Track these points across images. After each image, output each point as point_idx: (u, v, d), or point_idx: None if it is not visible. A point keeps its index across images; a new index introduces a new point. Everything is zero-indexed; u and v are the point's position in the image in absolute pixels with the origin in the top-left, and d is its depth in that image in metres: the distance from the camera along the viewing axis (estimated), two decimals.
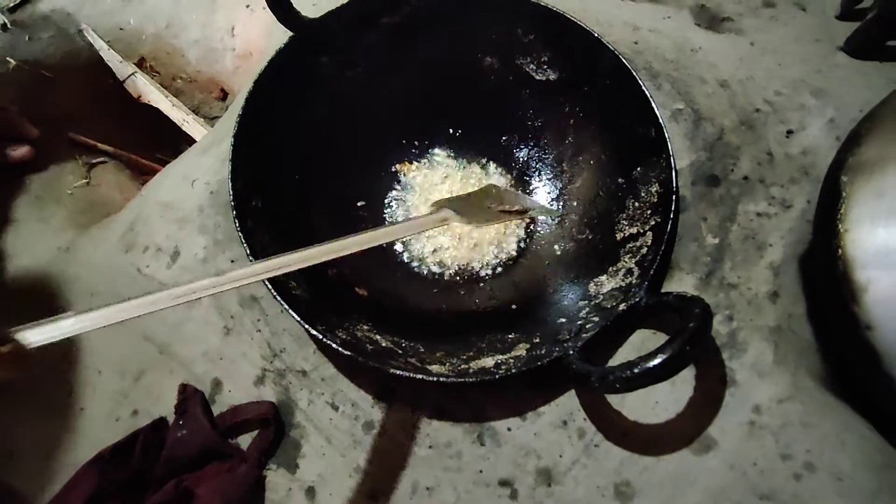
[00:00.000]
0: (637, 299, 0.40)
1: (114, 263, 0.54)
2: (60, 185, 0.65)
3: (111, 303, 0.29)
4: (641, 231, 0.44)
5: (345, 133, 0.52)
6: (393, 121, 0.54)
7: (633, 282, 0.42)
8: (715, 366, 0.41)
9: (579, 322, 0.42)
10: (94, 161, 0.70)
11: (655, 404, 0.41)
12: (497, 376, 0.39)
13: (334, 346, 0.39)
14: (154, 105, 0.73)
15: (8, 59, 0.66)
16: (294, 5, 0.46)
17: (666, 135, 0.44)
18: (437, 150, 0.56)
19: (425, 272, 0.51)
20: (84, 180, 0.67)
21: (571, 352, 0.38)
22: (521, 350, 0.42)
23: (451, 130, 0.56)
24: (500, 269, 0.51)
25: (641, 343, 0.43)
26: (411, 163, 0.55)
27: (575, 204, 0.51)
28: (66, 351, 0.51)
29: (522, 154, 0.54)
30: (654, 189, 0.45)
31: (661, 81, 0.51)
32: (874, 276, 0.34)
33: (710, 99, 0.50)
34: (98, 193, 0.67)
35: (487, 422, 0.43)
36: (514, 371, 0.39)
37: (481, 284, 0.50)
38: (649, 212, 0.44)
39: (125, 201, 0.60)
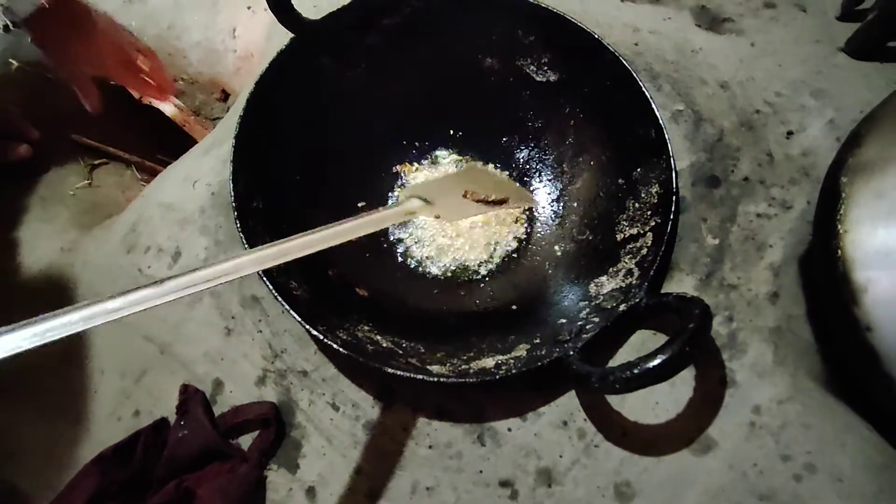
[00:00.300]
0: (637, 300, 0.40)
1: (116, 264, 0.54)
2: (62, 186, 0.66)
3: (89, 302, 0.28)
4: (641, 232, 0.44)
5: (346, 134, 0.52)
6: (394, 122, 0.55)
7: (634, 282, 0.42)
8: (715, 366, 0.41)
9: (579, 323, 0.42)
10: (96, 162, 0.70)
11: (655, 405, 0.41)
12: (497, 377, 0.39)
13: (335, 346, 0.39)
14: (155, 106, 0.73)
15: (10, 60, 0.66)
16: (295, 6, 0.46)
17: (666, 136, 0.44)
18: (437, 151, 0.56)
19: (426, 273, 0.51)
20: (86, 181, 0.67)
21: (572, 352, 0.38)
22: (521, 350, 0.42)
23: (451, 131, 0.56)
24: (500, 270, 0.51)
25: (641, 344, 0.43)
26: (412, 163, 0.55)
27: (575, 205, 0.51)
28: (67, 351, 0.51)
29: (523, 155, 0.54)
30: (654, 190, 0.45)
31: (662, 82, 0.51)
32: (874, 277, 0.34)
33: (711, 100, 0.50)
34: (100, 194, 0.67)
35: (488, 422, 0.43)
36: (514, 371, 0.39)
37: (482, 285, 0.50)
38: (649, 213, 0.44)
39: (127, 202, 0.60)
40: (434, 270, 0.51)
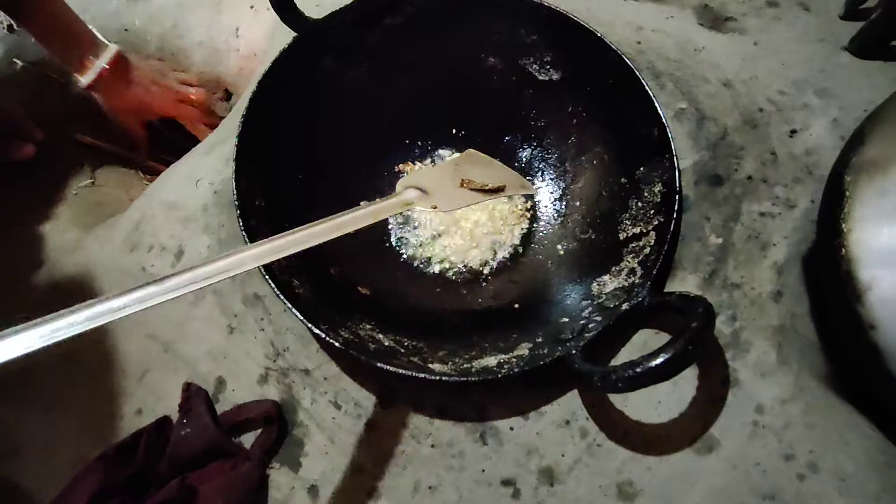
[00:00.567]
0: (640, 299, 0.40)
1: (119, 263, 0.54)
2: (66, 186, 0.66)
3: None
4: (644, 231, 0.44)
5: (348, 133, 0.53)
6: (396, 121, 0.55)
7: (636, 281, 0.42)
8: (718, 366, 0.41)
9: (582, 322, 0.42)
10: (99, 161, 0.70)
11: (658, 404, 0.41)
12: (499, 375, 0.39)
13: (337, 345, 0.39)
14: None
15: (14, 59, 0.66)
16: (298, 6, 0.46)
17: (669, 134, 0.44)
18: (439, 150, 0.56)
19: (428, 271, 0.51)
20: (89, 180, 0.68)
21: (574, 351, 0.38)
22: (523, 349, 0.42)
23: (454, 130, 0.56)
24: (502, 269, 0.51)
25: (644, 343, 0.43)
26: (414, 163, 0.55)
27: (578, 203, 0.51)
28: (70, 349, 0.51)
29: (525, 154, 0.54)
30: (657, 189, 0.45)
31: (665, 81, 0.51)
32: (878, 276, 0.34)
33: (714, 99, 0.50)
34: (103, 193, 0.67)
35: (490, 421, 0.43)
36: (516, 370, 0.39)
37: (484, 284, 0.50)
38: (652, 211, 0.44)
39: (130, 201, 0.60)
40: (436, 269, 0.51)
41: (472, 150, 0.50)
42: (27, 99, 0.67)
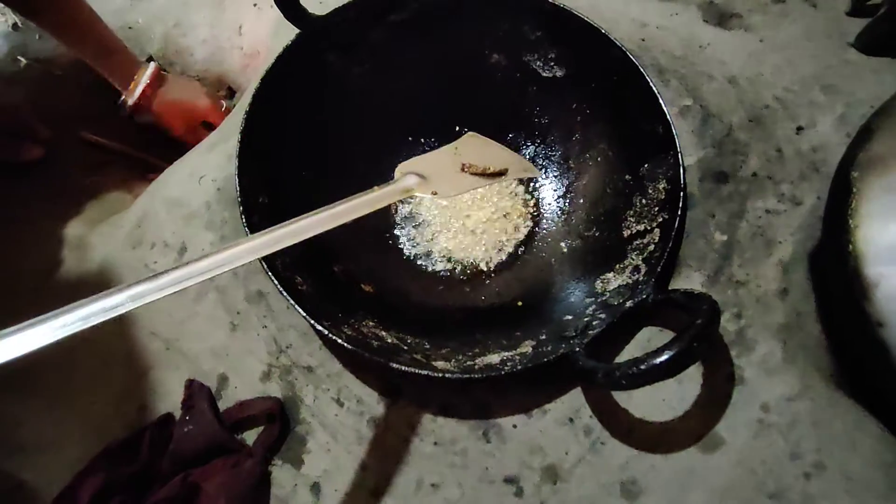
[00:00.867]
0: (644, 296, 0.40)
1: (122, 259, 0.54)
2: (70, 183, 0.66)
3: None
4: (649, 228, 0.44)
5: (351, 130, 0.52)
6: (399, 118, 0.54)
7: (641, 279, 0.42)
8: (723, 363, 0.41)
9: (586, 319, 0.42)
10: (103, 158, 0.70)
11: (662, 402, 0.40)
12: (503, 373, 0.39)
13: (340, 341, 0.39)
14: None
15: (19, 57, 0.66)
16: (301, 3, 0.46)
17: (674, 131, 0.43)
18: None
19: (431, 269, 0.51)
20: (93, 177, 0.68)
21: (578, 349, 0.38)
22: (527, 347, 0.42)
23: (457, 127, 0.55)
24: (505, 266, 0.51)
25: (648, 340, 0.43)
26: None
27: (582, 201, 0.51)
28: (74, 346, 0.51)
29: (529, 151, 0.54)
30: (661, 186, 0.44)
31: (669, 78, 0.51)
32: (885, 273, 0.33)
33: (719, 95, 0.49)
34: (107, 190, 0.68)
35: (493, 419, 0.42)
36: (519, 368, 0.39)
37: (487, 281, 0.50)
38: (657, 209, 0.44)
39: (133, 198, 0.60)
40: (439, 266, 0.51)
41: (472, 133, 0.48)
42: (32, 96, 0.67)
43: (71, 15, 0.58)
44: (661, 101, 0.44)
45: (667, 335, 0.42)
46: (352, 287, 0.48)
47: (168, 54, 0.74)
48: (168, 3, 0.73)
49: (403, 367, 0.38)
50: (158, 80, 0.66)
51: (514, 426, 0.42)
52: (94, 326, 0.28)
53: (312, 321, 0.39)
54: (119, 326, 0.51)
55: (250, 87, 0.49)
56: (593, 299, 0.44)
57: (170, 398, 0.48)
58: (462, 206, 0.53)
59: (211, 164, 0.54)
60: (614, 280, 0.44)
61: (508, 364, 0.40)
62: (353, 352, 0.39)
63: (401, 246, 0.52)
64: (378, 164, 0.54)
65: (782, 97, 0.48)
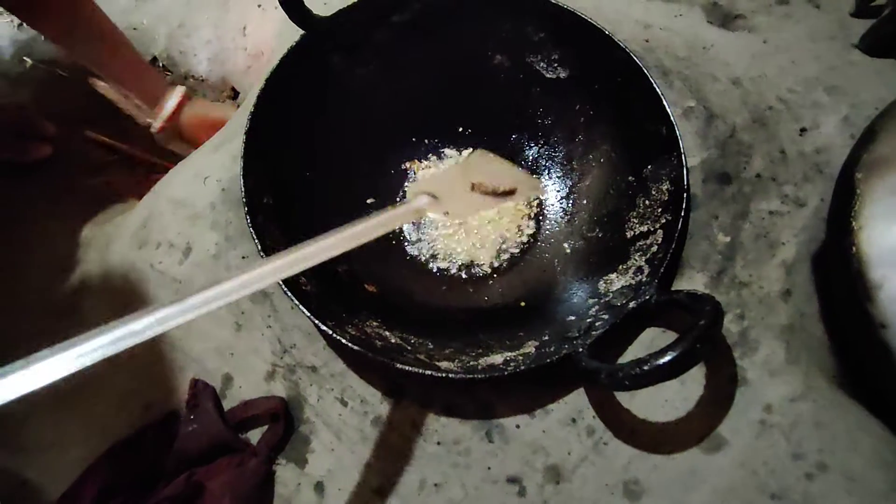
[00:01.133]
0: (647, 297, 0.40)
1: (127, 259, 0.54)
2: (75, 183, 0.66)
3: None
4: (652, 229, 0.44)
5: (355, 130, 0.53)
6: (403, 118, 0.55)
7: (644, 280, 0.42)
8: (725, 364, 0.41)
9: (589, 320, 0.42)
10: (108, 158, 0.71)
11: (665, 402, 0.41)
12: (506, 373, 0.39)
13: (344, 341, 0.39)
14: None
15: (24, 58, 0.67)
16: (306, 4, 0.46)
17: (677, 132, 0.43)
18: (446, 149, 0.56)
19: (434, 269, 0.51)
20: (98, 178, 0.68)
21: (581, 349, 0.38)
22: (530, 347, 0.42)
23: (461, 128, 0.56)
24: (509, 267, 0.51)
25: (651, 341, 0.43)
26: (421, 160, 0.55)
27: (585, 202, 0.51)
28: None
29: (532, 152, 0.54)
30: (664, 187, 0.44)
31: (673, 79, 0.51)
32: (889, 274, 0.33)
33: (723, 97, 0.49)
34: (112, 190, 0.68)
35: (496, 419, 0.43)
36: (522, 368, 0.39)
37: (490, 282, 0.50)
38: (660, 210, 0.44)
39: (138, 198, 0.60)
40: (442, 267, 0.51)
41: (481, 150, 0.49)
42: (37, 97, 0.67)
43: (85, 27, 0.58)
44: (664, 102, 0.44)
45: (670, 336, 0.42)
46: (355, 287, 0.48)
47: (172, 55, 0.74)
48: (172, 3, 0.73)
49: (407, 367, 0.39)
50: (186, 99, 0.67)
51: (518, 426, 0.42)
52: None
53: (317, 321, 0.39)
54: None
55: (255, 89, 0.49)
56: (596, 300, 0.44)
57: (174, 397, 0.48)
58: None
59: (215, 165, 0.55)
60: (617, 281, 0.44)
61: (512, 364, 0.40)
62: (357, 352, 0.39)
63: (404, 246, 0.52)
64: (381, 164, 0.55)
65: (786, 98, 0.48)
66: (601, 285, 0.45)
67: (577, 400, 0.42)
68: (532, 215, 0.53)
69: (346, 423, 0.44)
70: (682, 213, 0.42)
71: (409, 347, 0.43)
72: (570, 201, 0.52)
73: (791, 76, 0.49)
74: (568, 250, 0.50)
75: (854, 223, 0.35)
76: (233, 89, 0.77)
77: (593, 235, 0.49)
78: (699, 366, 0.41)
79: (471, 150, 0.55)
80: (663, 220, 0.43)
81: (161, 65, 0.75)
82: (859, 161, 0.37)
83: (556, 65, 0.51)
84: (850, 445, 0.37)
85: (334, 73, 0.51)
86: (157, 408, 0.48)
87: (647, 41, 0.53)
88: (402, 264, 0.51)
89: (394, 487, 0.42)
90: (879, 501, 0.35)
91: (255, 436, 0.46)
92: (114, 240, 0.57)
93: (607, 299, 0.43)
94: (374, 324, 0.44)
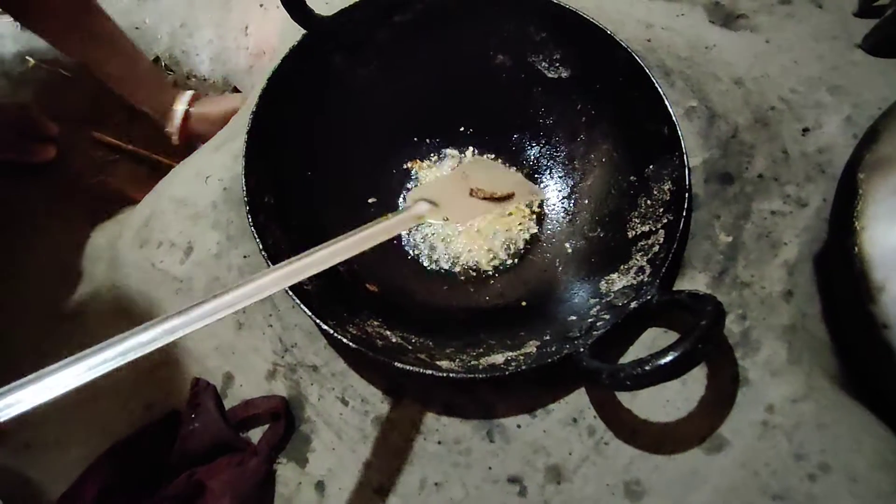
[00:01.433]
0: (648, 297, 0.40)
1: (129, 258, 0.54)
2: (78, 182, 0.66)
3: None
4: (653, 229, 0.44)
5: (357, 130, 0.53)
6: (405, 118, 0.55)
7: (645, 280, 0.42)
8: (727, 364, 0.41)
9: (590, 320, 0.42)
10: (110, 157, 0.71)
11: (666, 402, 0.40)
12: (507, 373, 0.39)
13: (345, 341, 0.39)
14: None
15: (27, 57, 0.67)
16: (308, 3, 0.46)
17: (679, 132, 0.43)
18: (448, 149, 0.56)
19: (435, 269, 0.51)
20: (101, 177, 0.68)
21: (582, 349, 0.38)
22: (531, 347, 0.42)
23: (462, 128, 0.56)
24: (510, 267, 0.51)
25: (653, 341, 0.43)
26: (423, 160, 0.55)
27: (586, 202, 0.51)
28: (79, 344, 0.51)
29: (534, 152, 0.54)
30: (666, 187, 0.44)
31: (675, 79, 0.51)
32: (892, 275, 0.33)
33: (725, 97, 0.49)
34: (114, 189, 0.68)
35: (497, 418, 0.43)
36: (523, 368, 0.39)
37: (491, 281, 0.50)
38: (662, 210, 0.44)
39: (140, 197, 0.60)
40: (443, 266, 0.51)
41: (479, 157, 0.50)
42: (40, 97, 0.67)
43: (84, 28, 0.58)
44: (666, 102, 0.44)
45: (671, 336, 0.42)
46: (356, 287, 0.48)
47: (174, 54, 0.74)
48: (174, 3, 0.73)
49: (408, 367, 0.39)
50: (193, 102, 0.67)
51: (518, 426, 0.42)
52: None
53: (318, 320, 0.39)
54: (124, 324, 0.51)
55: (257, 88, 0.49)
56: (597, 300, 0.44)
57: (176, 396, 0.48)
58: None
59: (217, 164, 0.55)
60: (619, 281, 0.44)
61: (513, 364, 0.40)
62: (358, 351, 0.39)
63: (405, 246, 0.52)
64: (383, 164, 0.55)
65: (788, 98, 0.48)
66: (602, 285, 0.45)
67: (579, 400, 0.42)
68: (533, 215, 0.52)
69: (346, 423, 0.44)
70: (684, 213, 0.41)
71: (409, 347, 0.43)
72: (572, 201, 0.52)
73: (793, 76, 0.49)
74: (569, 250, 0.50)
75: (856, 223, 0.35)
76: (235, 88, 0.77)
77: (595, 235, 0.49)
78: (701, 366, 0.41)
79: (472, 149, 0.55)
80: (665, 220, 0.43)
81: (163, 64, 0.75)
82: (862, 161, 0.37)
83: (557, 64, 0.51)
84: (852, 446, 0.37)
85: (336, 73, 0.51)
86: (158, 407, 0.48)
87: (648, 41, 0.53)
88: (404, 264, 0.51)
89: (394, 487, 0.42)
90: (882, 502, 0.35)
91: (255, 435, 0.46)
92: (116, 238, 0.57)
93: (609, 299, 0.43)
94: (375, 323, 0.44)
